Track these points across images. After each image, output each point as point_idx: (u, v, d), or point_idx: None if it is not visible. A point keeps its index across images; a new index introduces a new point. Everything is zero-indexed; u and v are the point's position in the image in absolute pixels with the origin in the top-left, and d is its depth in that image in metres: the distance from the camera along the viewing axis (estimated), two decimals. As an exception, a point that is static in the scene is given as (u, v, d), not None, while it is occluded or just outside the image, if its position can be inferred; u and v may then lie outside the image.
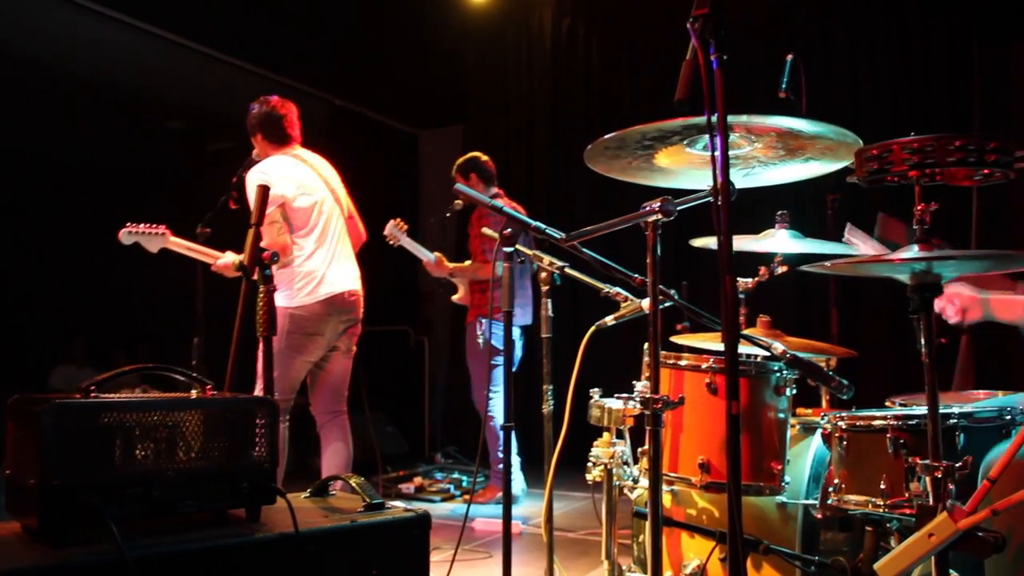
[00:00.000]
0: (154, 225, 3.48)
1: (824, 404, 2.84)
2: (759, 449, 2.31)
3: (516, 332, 4.76)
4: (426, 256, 4.59)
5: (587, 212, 6.26)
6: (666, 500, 2.53)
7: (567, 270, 2.45)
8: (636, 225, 1.92)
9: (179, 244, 3.52)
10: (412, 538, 1.75)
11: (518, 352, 4.89)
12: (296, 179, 3.48)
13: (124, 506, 1.44)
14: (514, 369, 4.83)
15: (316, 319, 3.42)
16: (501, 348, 4.49)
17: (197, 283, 4.01)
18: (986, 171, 1.62)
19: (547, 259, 2.48)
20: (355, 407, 3.68)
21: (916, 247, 1.69)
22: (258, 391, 3.33)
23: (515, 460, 4.79)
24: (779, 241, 2.63)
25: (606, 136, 2.01)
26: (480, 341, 4.56)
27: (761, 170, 2.25)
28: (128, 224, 3.46)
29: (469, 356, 4.74)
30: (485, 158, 4.84)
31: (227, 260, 3.45)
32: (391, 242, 4.47)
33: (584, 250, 2.16)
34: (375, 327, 7.12)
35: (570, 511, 4.54)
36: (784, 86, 3.54)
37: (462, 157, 4.88)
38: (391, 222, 4.48)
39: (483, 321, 4.58)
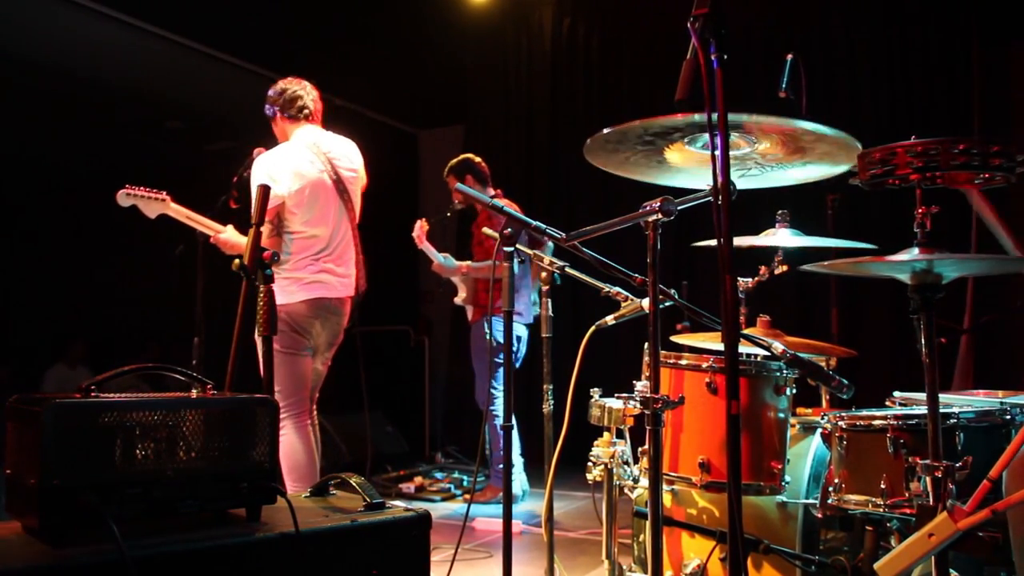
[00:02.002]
0: (154, 190, 3.36)
1: (824, 404, 2.84)
2: (759, 449, 2.31)
3: (523, 330, 4.76)
4: (436, 258, 4.60)
5: (587, 212, 6.26)
6: (666, 500, 2.53)
7: (567, 270, 2.45)
8: (636, 225, 1.92)
9: (179, 211, 3.39)
10: (412, 538, 1.75)
11: (523, 349, 4.89)
12: (303, 175, 3.32)
13: (124, 506, 1.44)
14: (518, 366, 4.87)
15: (305, 320, 3.35)
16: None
17: (197, 283, 4.01)
18: (987, 175, 1.62)
19: (547, 259, 2.48)
20: (356, 407, 3.67)
21: (916, 248, 1.69)
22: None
23: (519, 461, 4.79)
24: (779, 240, 2.64)
25: (605, 130, 2.01)
26: (492, 339, 4.55)
27: (758, 172, 2.25)
28: (128, 186, 3.35)
29: (475, 355, 4.74)
30: (478, 159, 4.84)
31: (228, 235, 3.38)
32: (417, 244, 4.53)
33: (584, 250, 2.16)
34: (375, 327, 7.15)
35: (570, 511, 4.54)
36: (784, 86, 3.54)
37: (454, 159, 4.88)
38: (418, 223, 4.52)
39: (492, 319, 4.58)
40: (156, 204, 3.37)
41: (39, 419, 1.38)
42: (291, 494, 1.78)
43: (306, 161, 3.39)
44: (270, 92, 3.55)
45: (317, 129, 3.55)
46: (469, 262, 4.67)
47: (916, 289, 1.76)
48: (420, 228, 4.58)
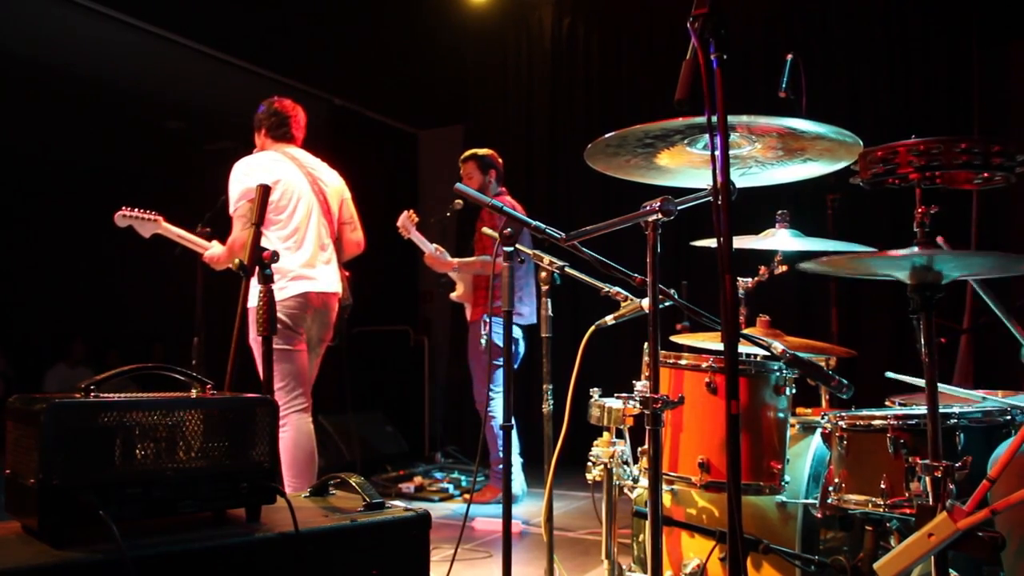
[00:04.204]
0: (148, 211, 3.58)
1: (824, 404, 2.84)
2: (759, 448, 2.30)
3: (519, 331, 4.75)
4: (429, 249, 4.58)
5: (587, 212, 6.26)
6: (666, 500, 2.53)
7: (567, 270, 2.45)
8: (636, 225, 1.92)
9: (171, 231, 3.59)
10: (412, 538, 1.75)
11: (520, 350, 4.89)
12: (277, 174, 3.44)
13: (124, 506, 1.44)
14: (516, 366, 4.87)
15: (293, 315, 3.38)
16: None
17: (197, 283, 4.02)
18: (986, 174, 1.62)
19: (547, 259, 2.48)
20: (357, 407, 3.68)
21: (916, 247, 1.69)
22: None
23: (517, 461, 4.79)
24: (779, 241, 2.63)
25: (607, 135, 2.01)
26: (483, 341, 4.55)
27: (759, 170, 2.25)
28: (124, 207, 3.56)
29: (471, 355, 4.74)
30: (500, 160, 4.88)
31: (216, 251, 3.50)
32: (403, 234, 4.51)
33: (584, 249, 2.16)
34: (375, 327, 7.15)
35: (570, 511, 4.53)
36: (784, 86, 3.54)
37: (481, 150, 4.86)
38: (404, 214, 4.51)
39: (487, 320, 4.57)
40: (150, 224, 3.58)
41: (38, 419, 1.38)
42: (290, 494, 1.78)
43: (282, 163, 3.52)
44: (262, 107, 3.66)
45: (298, 149, 3.67)
46: (460, 258, 4.66)
47: (916, 289, 1.76)
48: (407, 218, 4.51)
